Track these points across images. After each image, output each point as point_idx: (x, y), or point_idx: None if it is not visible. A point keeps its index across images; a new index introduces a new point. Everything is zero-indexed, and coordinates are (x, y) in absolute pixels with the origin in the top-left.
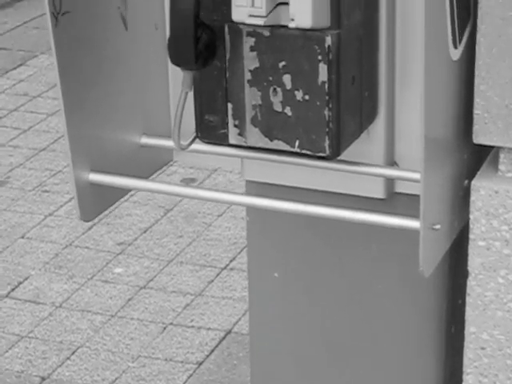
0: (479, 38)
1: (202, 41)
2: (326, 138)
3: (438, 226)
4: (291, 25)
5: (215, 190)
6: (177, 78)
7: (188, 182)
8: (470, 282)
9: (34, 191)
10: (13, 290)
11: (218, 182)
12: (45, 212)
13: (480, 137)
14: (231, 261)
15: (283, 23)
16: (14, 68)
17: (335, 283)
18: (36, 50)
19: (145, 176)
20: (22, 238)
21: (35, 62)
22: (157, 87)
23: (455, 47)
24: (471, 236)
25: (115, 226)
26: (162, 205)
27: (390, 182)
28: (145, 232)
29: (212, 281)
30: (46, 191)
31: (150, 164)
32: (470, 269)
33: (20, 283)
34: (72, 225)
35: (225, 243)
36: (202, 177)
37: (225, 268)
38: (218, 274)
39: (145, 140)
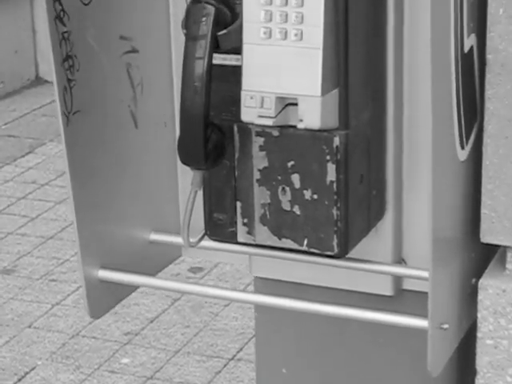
0: (486, 138)
1: (211, 141)
2: (335, 236)
3: (446, 326)
4: (300, 125)
5: (223, 288)
6: (186, 175)
7: (196, 271)
8: (479, 381)
9: (42, 280)
10: (19, 380)
11: (226, 271)
12: (52, 301)
13: (487, 236)
14: (238, 351)
15: (292, 123)
16: (23, 156)
17: (343, 379)
18: (44, 138)
19: (153, 271)
20: (29, 327)
21: (43, 149)
22: (166, 184)
23: (462, 148)
24: (479, 334)
25: (122, 315)
26: (169, 294)
27: (397, 279)
28: (152, 322)
29: (219, 372)
30: (53, 280)
31: (158, 260)
32: (478, 367)
33: (27, 373)
34: (79, 314)
35: (232, 333)
36: (209, 266)
37: (232, 359)
38: (225, 365)
39: (154, 236)
